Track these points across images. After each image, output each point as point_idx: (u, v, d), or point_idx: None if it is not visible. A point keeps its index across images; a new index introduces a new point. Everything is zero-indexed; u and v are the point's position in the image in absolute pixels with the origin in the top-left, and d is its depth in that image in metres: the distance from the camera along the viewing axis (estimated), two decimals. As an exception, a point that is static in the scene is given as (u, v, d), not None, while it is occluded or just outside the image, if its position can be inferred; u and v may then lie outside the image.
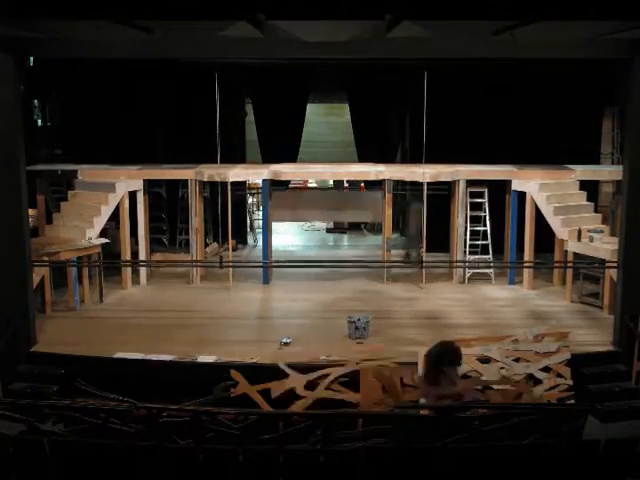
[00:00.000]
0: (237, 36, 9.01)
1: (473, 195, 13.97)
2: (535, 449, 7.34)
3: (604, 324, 11.35)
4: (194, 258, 13.91)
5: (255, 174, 14.66)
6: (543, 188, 13.24)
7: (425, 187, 13.49)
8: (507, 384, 9.26)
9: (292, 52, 11.16)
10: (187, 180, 14.02)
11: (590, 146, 15.87)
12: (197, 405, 8.75)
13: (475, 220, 14.06)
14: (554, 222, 12.98)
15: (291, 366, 9.62)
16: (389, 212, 13.96)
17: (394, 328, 11.40)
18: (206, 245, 15.66)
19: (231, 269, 13.74)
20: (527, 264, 13.44)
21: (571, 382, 9.54)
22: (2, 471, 7.33)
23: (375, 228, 18.37)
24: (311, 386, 9.23)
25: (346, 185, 18.32)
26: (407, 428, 7.91)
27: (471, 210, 13.96)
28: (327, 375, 9.32)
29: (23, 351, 10.24)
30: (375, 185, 15.38)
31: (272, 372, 9.68)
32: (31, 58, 14.77)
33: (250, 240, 17.53)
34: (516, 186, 13.63)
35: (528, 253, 13.33)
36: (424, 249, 13.45)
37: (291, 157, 16.01)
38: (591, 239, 12.39)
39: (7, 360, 9.87)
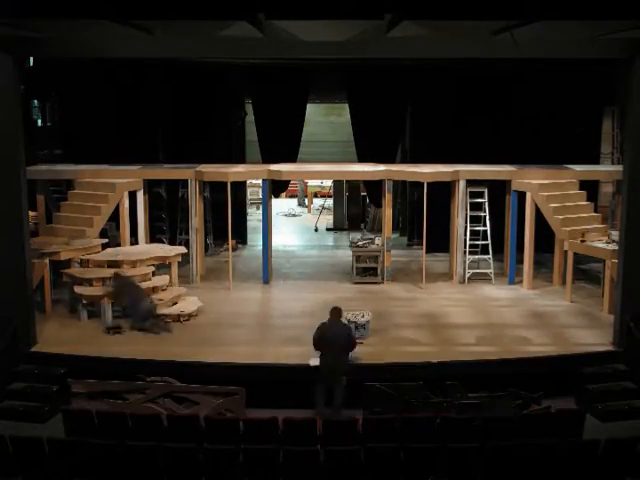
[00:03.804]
0: (237, 36, 9.01)
1: (473, 195, 13.96)
2: (535, 449, 7.34)
3: (604, 324, 11.35)
4: (194, 257, 13.92)
5: (255, 174, 14.66)
6: (543, 188, 13.24)
7: (425, 187, 13.50)
8: None
9: (292, 52, 11.15)
10: (187, 180, 14.02)
11: (590, 146, 15.87)
12: None
13: (475, 220, 14.05)
14: (554, 222, 12.98)
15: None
16: (389, 212, 13.95)
17: (394, 328, 11.40)
18: (206, 245, 15.68)
19: (231, 269, 13.74)
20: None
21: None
22: (3, 471, 7.33)
23: (375, 228, 18.38)
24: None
25: None
26: None
27: (471, 210, 13.95)
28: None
29: (23, 351, 10.24)
30: (375, 185, 15.37)
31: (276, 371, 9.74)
32: (31, 58, 14.76)
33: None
34: (516, 186, 13.63)
35: (528, 253, 13.32)
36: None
37: (291, 157, 16.00)
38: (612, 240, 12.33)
39: (7, 360, 9.88)
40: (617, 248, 11.09)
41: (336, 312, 9.59)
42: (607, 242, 12.37)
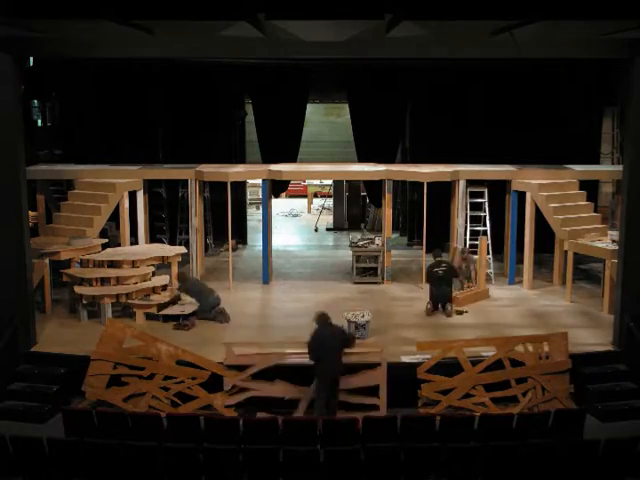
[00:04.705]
0: (237, 36, 9.02)
1: (473, 195, 13.96)
2: (535, 449, 7.35)
3: (604, 324, 11.35)
4: (194, 257, 13.92)
5: (255, 174, 14.66)
6: (543, 188, 13.24)
7: (425, 187, 13.49)
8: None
9: (292, 52, 11.16)
10: (187, 180, 14.02)
11: (590, 146, 15.88)
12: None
13: (475, 220, 14.05)
14: (554, 222, 12.97)
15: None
16: (389, 212, 13.95)
17: (394, 328, 11.39)
18: (206, 245, 15.69)
19: (231, 269, 13.74)
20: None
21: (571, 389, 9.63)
22: (3, 471, 7.33)
23: (375, 228, 18.39)
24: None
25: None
26: None
27: (471, 210, 13.95)
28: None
29: (23, 351, 10.24)
30: (375, 185, 15.37)
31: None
32: (31, 58, 14.77)
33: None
34: (516, 186, 13.63)
35: (528, 253, 13.32)
36: None
37: (291, 157, 16.00)
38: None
39: (7, 360, 9.88)
40: (617, 248, 11.09)
41: (323, 317, 9.35)
42: (607, 242, 12.37)
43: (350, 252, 14.15)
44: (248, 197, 19.08)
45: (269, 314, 12.42)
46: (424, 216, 13.48)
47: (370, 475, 7.25)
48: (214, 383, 9.57)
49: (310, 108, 17.40)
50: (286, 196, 22.42)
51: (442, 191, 14.15)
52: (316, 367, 9.16)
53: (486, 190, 13.95)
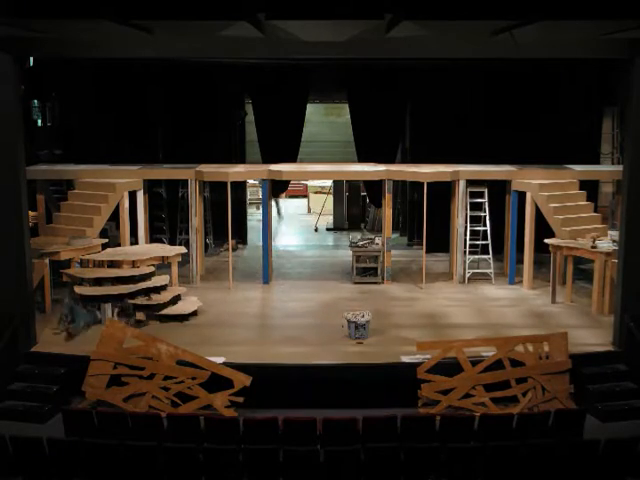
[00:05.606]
0: (237, 36, 9.02)
1: (473, 195, 13.96)
2: (535, 449, 7.35)
3: (604, 324, 11.35)
4: (194, 257, 13.91)
5: (255, 174, 14.66)
6: (543, 188, 13.24)
7: (425, 187, 13.49)
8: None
9: (292, 52, 11.16)
10: (187, 180, 14.02)
11: (590, 146, 15.88)
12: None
13: (475, 220, 14.05)
14: (554, 222, 12.97)
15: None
16: (389, 212, 13.95)
17: (394, 328, 11.40)
18: (206, 245, 15.70)
19: (231, 269, 13.74)
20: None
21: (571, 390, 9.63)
22: (3, 471, 7.33)
23: (375, 228, 18.39)
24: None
25: None
26: None
27: (471, 210, 13.95)
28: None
29: (23, 351, 10.24)
30: (375, 185, 15.37)
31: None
32: (31, 58, 14.76)
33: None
34: (516, 186, 13.63)
35: (528, 253, 13.33)
36: None
37: (291, 157, 16.00)
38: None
39: (7, 360, 9.88)
40: (617, 248, 11.09)
41: None
42: (607, 242, 12.34)
43: (350, 252, 14.16)
44: (248, 197, 19.09)
45: (269, 314, 12.43)
46: (424, 216, 13.47)
47: (370, 475, 7.26)
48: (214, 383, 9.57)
49: (310, 108, 17.39)
50: (286, 196, 22.41)
51: (442, 191, 14.15)
52: None
53: (486, 190, 13.95)
